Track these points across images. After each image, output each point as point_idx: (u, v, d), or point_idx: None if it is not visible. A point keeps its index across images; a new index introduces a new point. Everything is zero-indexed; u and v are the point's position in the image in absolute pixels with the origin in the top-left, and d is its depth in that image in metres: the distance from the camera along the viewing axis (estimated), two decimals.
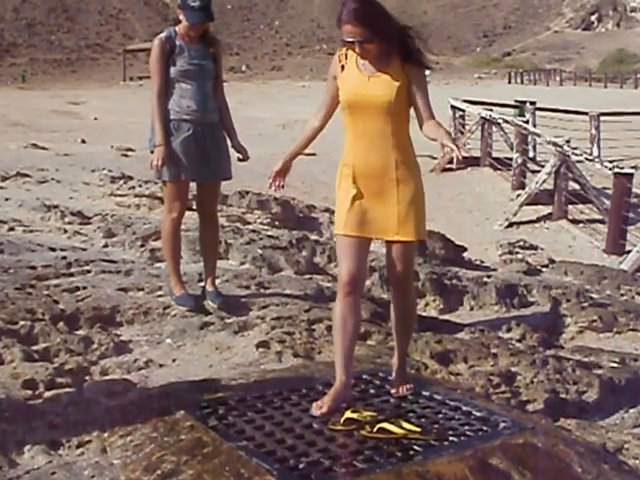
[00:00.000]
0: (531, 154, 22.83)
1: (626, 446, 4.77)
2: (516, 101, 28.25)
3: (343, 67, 4.40)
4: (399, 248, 4.42)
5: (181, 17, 6.10)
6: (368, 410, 4.22)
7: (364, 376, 4.88)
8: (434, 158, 22.60)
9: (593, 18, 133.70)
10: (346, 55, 4.40)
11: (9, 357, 5.14)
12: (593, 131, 25.33)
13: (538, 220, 17.03)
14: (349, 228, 4.34)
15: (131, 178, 13.12)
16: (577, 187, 17.47)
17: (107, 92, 61.11)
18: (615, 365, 6.24)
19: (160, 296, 6.51)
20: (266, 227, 10.79)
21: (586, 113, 26.32)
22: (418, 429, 4.00)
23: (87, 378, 5.06)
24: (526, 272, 9.37)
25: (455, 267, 8.97)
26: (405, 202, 4.33)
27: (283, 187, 4.68)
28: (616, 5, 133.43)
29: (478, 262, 10.16)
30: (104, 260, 7.70)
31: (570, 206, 17.19)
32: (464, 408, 4.43)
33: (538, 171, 19.04)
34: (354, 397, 4.47)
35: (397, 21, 4.34)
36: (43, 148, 20.10)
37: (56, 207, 10.32)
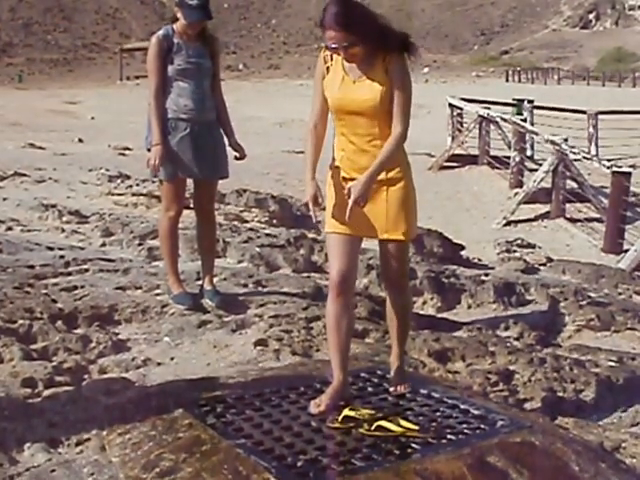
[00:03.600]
0: (529, 152, 22.85)
1: (623, 445, 4.77)
2: (514, 99, 28.28)
3: (328, 68, 4.36)
4: (392, 247, 4.42)
5: (179, 15, 6.09)
6: (366, 408, 4.23)
7: (362, 374, 4.89)
8: (432, 156, 22.65)
9: (591, 16, 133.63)
10: (331, 56, 4.34)
11: (8, 356, 5.14)
12: (591, 130, 25.36)
13: (536, 219, 17.01)
14: (339, 226, 4.33)
15: (128, 177, 13.12)
16: (575, 186, 17.47)
17: (104, 91, 61.09)
18: (613, 364, 6.25)
19: (158, 295, 6.51)
20: (264, 225, 10.80)
21: (584, 112, 26.34)
22: (416, 427, 4.01)
23: (86, 376, 5.07)
24: (524, 271, 9.37)
25: (453, 265, 8.97)
26: (395, 202, 4.33)
27: (322, 207, 4.41)
28: (614, 3, 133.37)
29: (476, 260, 10.17)
30: (102, 259, 7.71)
31: (568, 205, 17.17)
32: (462, 406, 4.44)
33: (536, 170, 19.03)
34: (352, 395, 4.47)
35: (380, 20, 4.24)
36: (40, 148, 20.10)
37: (54, 206, 10.32)
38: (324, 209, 4.46)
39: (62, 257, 7.53)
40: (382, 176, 4.28)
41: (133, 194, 11.96)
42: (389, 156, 4.24)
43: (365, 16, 4.17)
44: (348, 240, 4.33)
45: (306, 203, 4.38)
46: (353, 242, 4.36)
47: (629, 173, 15.38)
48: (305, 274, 7.94)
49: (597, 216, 16.69)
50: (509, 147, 21.27)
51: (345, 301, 4.30)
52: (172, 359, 5.45)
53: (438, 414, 4.32)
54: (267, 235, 9.05)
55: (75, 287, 6.58)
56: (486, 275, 8.49)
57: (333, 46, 4.17)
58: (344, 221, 4.29)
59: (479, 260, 10.29)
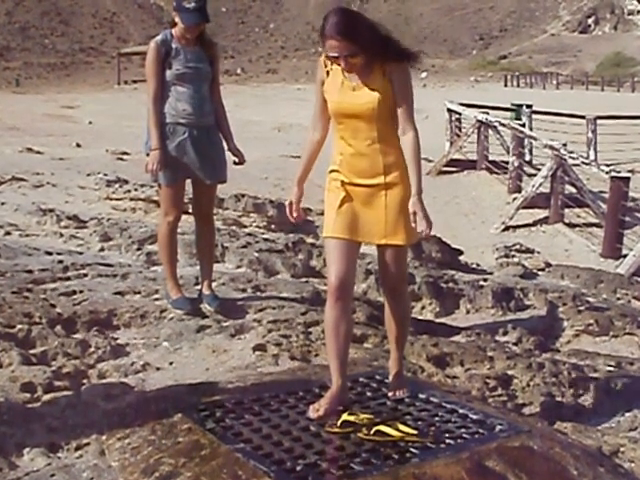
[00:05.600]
0: (527, 157, 22.85)
1: (622, 449, 4.78)
2: (512, 104, 28.28)
3: (328, 72, 4.37)
4: (390, 252, 4.43)
5: (177, 19, 6.10)
6: (365, 413, 4.23)
7: (361, 379, 4.89)
8: (430, 161, 22.65)
9: (590, 21, 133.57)
10: None
11: (7, 360, 5.14)
12: (590, 134, 25.34)
13: (534, 223, 17.01)
14: (338, 231, 4.33)
15: (127, 182, 13.12)
16: (574, 191, 17.47)
17: (102, 96, 60.99)
18: (611, 369, 6.26)
19: (157, 299, 6.51)
20: (262, 230, 10.82)
21: (583, 116, 26.31)
22: (415, 432, 4.01)
23: (85, 381, 5.07)
24: (522, 276, 9.39)
25: (451, 270, 8.98)
26: (394, 207, 4.34)
27: (302, 215, 4.64)
28: (613, 8, 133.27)
29: (474, 265, 10.18)
30: (100, 264, 7.71)
31: (566, 210, 17.17)
32: (460, 411, 4.44)
33: (534, 174, 19.03)
34: (351, 400, 4.48)
35: (380, 30, 4.27)
36: (38, 152, 20.07)
37: (52, 211, 10.33)
38: (300, 217, 4.58)
39: (61, 262, 7.54)
40: (380, 180, 4.30)
41: (131, 199, 11.97)
42: (419, 160, 4.30)
43: (366, 26, 4.19)
44: (347, 245, 4.33)
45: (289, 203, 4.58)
46: (352, 247, 4.36)
47: (628, 178, 15.40)
48: (303, 279, 7.95)
49: (596, 221, 16.70)
50: (508, 152, 21.28)
51: (344, 306, 4.30)
52: (171, 364, 5.45)
53: (437, 419, 4.33)
54: (265, 240, 9.06)
55: (74, 292, 6.58)
56: (485, 280, 8.50)
57: (334, 55, 4.17)
58: (343, 226, 4.31)
59: (477, 265, 10.29)
